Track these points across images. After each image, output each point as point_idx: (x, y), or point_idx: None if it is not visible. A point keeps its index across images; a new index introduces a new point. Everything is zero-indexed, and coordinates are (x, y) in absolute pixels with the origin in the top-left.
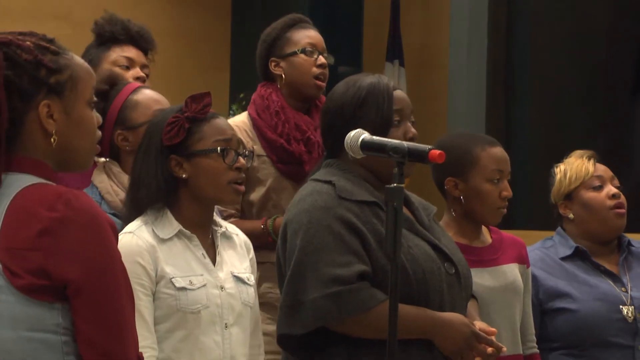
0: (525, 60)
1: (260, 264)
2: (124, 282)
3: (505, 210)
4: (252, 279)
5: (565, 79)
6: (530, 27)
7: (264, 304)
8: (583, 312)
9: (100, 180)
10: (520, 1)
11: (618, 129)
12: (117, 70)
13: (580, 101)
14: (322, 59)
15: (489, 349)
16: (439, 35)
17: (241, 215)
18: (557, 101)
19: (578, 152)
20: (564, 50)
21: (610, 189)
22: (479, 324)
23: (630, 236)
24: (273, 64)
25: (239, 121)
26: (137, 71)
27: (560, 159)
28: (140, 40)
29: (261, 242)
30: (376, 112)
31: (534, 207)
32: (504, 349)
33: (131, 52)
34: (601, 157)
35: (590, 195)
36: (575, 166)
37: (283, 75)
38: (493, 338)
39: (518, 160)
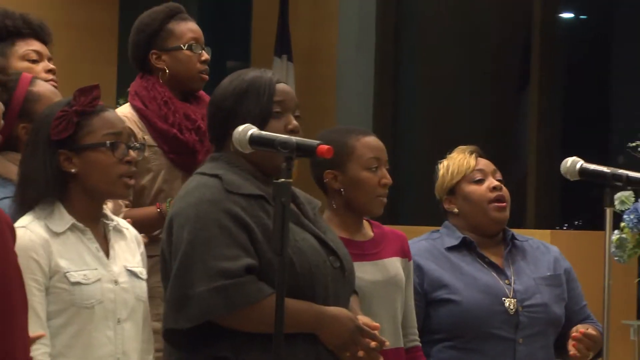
0: (413, 57)
1: (150, 258)
2: (18, 287)
3: (385, 199)
4: (144, 273)
5: (453, 76)
6: (419, 23)
7: (152, 298)
8: (466, 303)
9: (11, 171)
10: None
11: (505, 125)
12: (27, 64)
13: (467, 97)
14: (205, 55)
15: (373, 343)
16: (328, 31)
17: (132, 207)
18: (445, 97)
19: (460, 148)
20: (452, 47)
21: (492, 182)
22: (363, 319)
23: (517, 231)
24: (154, 56)
25: (126, 112)
26: (46, 64)
27: (447, 155)
28: (42, 33)
29: (157, 228)
30: (256, 103)
31: (421, 202)
32: (387, 342)
33: (36, 45)
34: (489, 153)
35: (471, 188)
36: (457, 161)
37: (166, 69)
38: (376, 332)
39: (405, 155)
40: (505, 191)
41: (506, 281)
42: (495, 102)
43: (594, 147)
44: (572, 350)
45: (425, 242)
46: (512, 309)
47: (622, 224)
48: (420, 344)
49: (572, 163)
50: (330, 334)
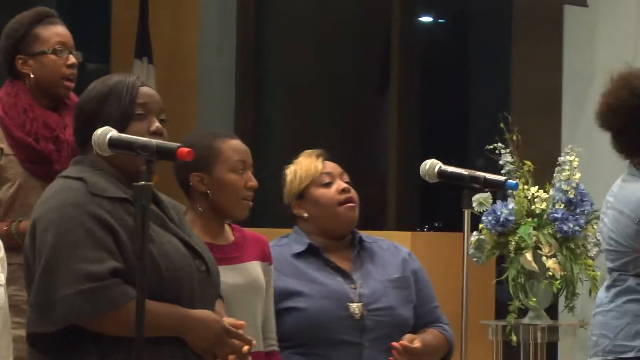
0: (274, 58)
1: (8, 265)
2: None
3: (250, 202)
4: (2, 278)
5: (313, 78)
6: (279, 26)
7: (10, 306)
8: (311, 310)
9: None
10: (268, 0)
11: (365, 128)
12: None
13: (328, 99)
14: (72, 59)
15: (245, 348)
16: (189, 33)
17: None
18: (306, 101)
19: (307, 152)
20: (312, 49)
21: (340, 184)
22: (228, 319)
23: (378, 233)
24: (20, 61)
25: None
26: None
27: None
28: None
29: (6, 245)
30: (117, 106)
31: (281, 206)
32: (254, 342)
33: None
34: (349, 156)
35: (319, 192)
36: (305, 165)
37: (31, 75)
38: (242, 331)
39: (266, 159)
40: (353, 192)
41: (352, 286)
42: (355, 104)
43: (453, 150)
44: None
45: (272, 250)
46: (357, 314)
47: (481, 226)
48: (278, 349)
49: (431, 165)
50: (196, 337)
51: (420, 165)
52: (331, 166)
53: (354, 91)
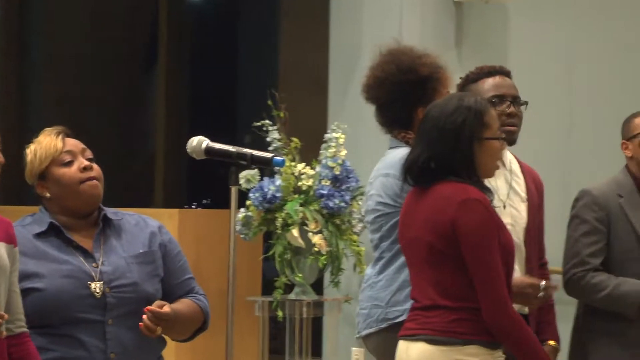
0: (39, 35)
1: None
2: None
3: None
4: None
5: (80, 55)
6: (44, 2)
7: None
8: (50, 290)
9: None
10: None
11: (133, 106)
12: None
13: (96, 77)
14: None
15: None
16: None
17: None
18: (72, 77)
19: (47, 130)
20: (79, 26)
21: (81, 162)
22: None
23: (146, 211)
24: None
25: None
26: None
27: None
28: None
29: None
30: None
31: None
32: (6, 315)
33: None
34: (116, 134)
35: (61, 171)
36: (45, 144)
37: None
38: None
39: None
40: (96, 169)
41: (94, 264)
42: (123, 83)
43: (221, 127)
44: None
45: (15, 230)
46: (98, 292)
47: (248, 202)
48: (27, 331)
49: (198, 142)
50: None
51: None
52: (72, 144)
53: (120, 69)
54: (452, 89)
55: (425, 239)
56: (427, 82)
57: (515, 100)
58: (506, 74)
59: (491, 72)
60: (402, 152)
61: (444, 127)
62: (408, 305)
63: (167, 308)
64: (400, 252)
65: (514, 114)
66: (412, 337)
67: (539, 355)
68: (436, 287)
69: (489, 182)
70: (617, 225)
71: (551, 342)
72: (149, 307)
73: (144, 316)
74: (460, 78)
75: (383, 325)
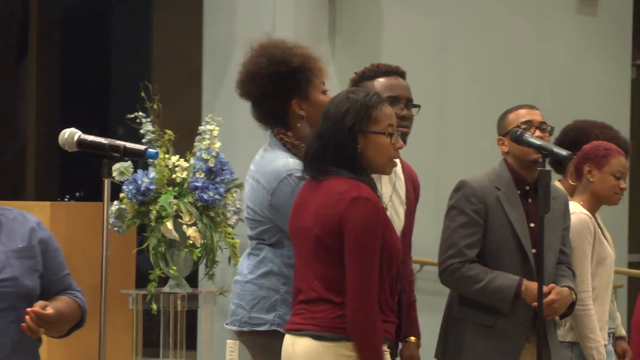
0: None
1: None
2: None
3: None
4: None
5: None
6: None
7: None
8: None
9: None
10: None
11: (3, 97)
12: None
13: None
14: None
15: None
16: None
17: None
18: None
19: None
20: None
21: None
22: None
23: (17, 204)
24: None
25: None
26: None
27: None
28: None
29: None
30: None
31: None
32: None
33: None
34: None
35: None
36: None
37: None
38: None
39: None
40: None
41: None
42: None
43: (94, 119)
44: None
45: None
46: None
47: (122, 195)
48: None
49: (70, 134)
50: None
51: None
52: None
53: None
54: (330, 82)
55: (315, 231)
56: (298, 73)
57: (409, 102)
58: (402, 75)
59: (388, 72)
60: (279, 163)
61: (330, 118)
62: (272, 316)
63: (50, 309)
64: (272, 256)
65: (407, 117)
66: (297, 332)
67: None
68: (322, 281)
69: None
70: (494, 217)
71: (412, 339)
72: (32, 309)
73: (27, 317)
74: (355, 73)
75: (245, 329)
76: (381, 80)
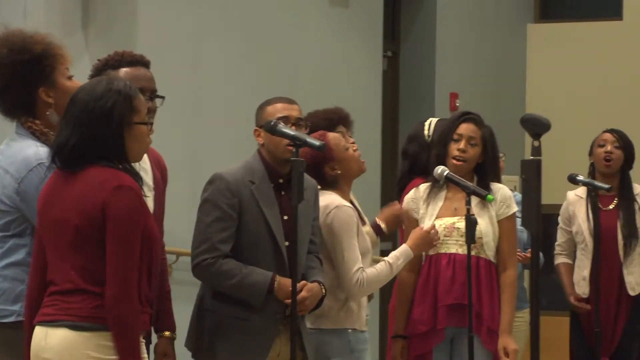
0: None
1: None
2: None
3: None
4: None
5: None
6: None
7: None
8: None
9: None
10: None
11: None
12: None
13: None
14: None
15: None
16: None
17: None
18: None
19: None
20: None
21: None
22: None
23: None
24: None
25: None
26: None
27: None
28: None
29: None
30: None
31: None
32: None
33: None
34: None
35: None
36: None
37: None
38: None
39: None
40: None
41: None
42: None
43: None
44: None
45: None
46: None
47: None
48: None
49: None
50: None
51: None
52: None
53: None
54: (85, 72)
55: (73, 222)
56: (42, 60)
57: (153, 94)
58: (146, 65)
59: (132, 61)
60: (29, 151)
61: (94, 111)
62: (18, 307)
63: None
64: (12, 247)
65: (152, 109)
66: (51, 323)
67: (138, 353)
68: (80, 271)
69: None
70: (248, 211)
71: (167, 333)
72: None
73: None
74: (99, 60)
75: None
76: (125, 69)
